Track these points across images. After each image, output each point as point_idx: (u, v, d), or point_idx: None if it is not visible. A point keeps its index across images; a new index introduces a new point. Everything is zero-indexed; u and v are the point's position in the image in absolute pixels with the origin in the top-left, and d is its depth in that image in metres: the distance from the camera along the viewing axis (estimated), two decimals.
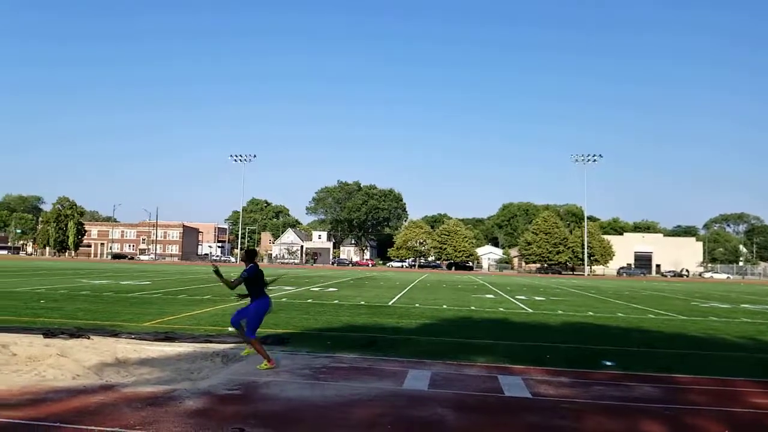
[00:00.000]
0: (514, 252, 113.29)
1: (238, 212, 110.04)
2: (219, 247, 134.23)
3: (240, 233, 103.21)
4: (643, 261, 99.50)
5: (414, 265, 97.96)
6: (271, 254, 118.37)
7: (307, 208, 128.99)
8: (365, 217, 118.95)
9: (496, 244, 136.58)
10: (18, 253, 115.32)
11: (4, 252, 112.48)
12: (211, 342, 9.04)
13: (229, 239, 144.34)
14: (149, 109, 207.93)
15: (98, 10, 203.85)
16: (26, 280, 25.45)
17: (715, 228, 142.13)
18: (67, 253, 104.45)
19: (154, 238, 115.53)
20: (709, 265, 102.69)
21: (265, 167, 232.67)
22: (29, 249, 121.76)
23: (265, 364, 7.14)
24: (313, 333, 10.79)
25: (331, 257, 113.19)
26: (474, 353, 8.98)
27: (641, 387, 6.97)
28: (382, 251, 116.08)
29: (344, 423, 5.09)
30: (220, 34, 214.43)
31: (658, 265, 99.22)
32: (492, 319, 14.86)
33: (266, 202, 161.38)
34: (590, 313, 17.42)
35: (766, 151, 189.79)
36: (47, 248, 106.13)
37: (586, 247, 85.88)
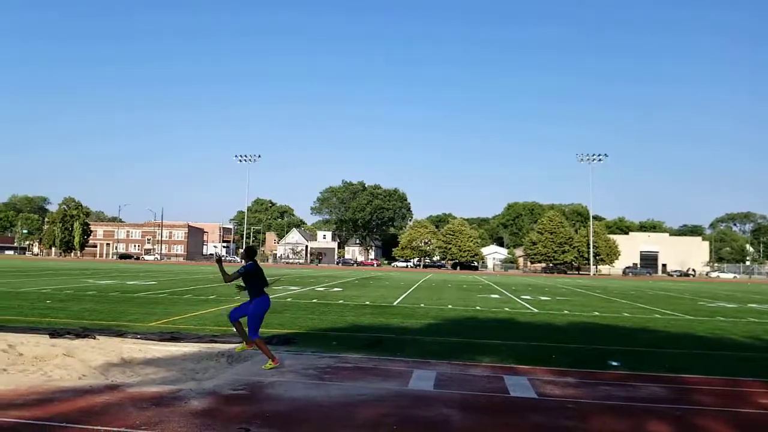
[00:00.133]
0: (519, 252, 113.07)
1: (243, 212, 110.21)
2: (224, 247, 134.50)
3: (245, 233, 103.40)
4: (649, 261, 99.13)
5: (419, 265, 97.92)
6: (276, 254, 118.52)
7: (311, 208, 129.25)
8: (370, 217, 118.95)
9: (501, 243, 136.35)
10: (24, 254, 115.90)
11: (11, 252, 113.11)
12: (216, 342, 9.05)
13: (234, 239, 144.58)
14: (149, 109, 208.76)
15: (98, 10, 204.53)
16: (32, 280, 25.56)
17: (722, 227, 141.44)
18: (72, 254, 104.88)
19: (160, 239, 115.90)
20: (716, 264, 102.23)
21: (269, 167, 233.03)
22: (35, 249, 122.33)
23: (270, 364, 7.14)
24: (318, 333, 10.79)
25: (335, 257, 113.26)
26: (479, 353, 8.96)
27: (648, 387, 6.94)
28: (387, 251, 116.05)
29: (349, 423, 5.08)
30: (220, 34, 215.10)
31: (664, 265, 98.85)
32: (497, 319, 14.83)
33: (271, 202, 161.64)
34: (596, 312, 17.37)
35: None
36: (53, 248, 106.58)
37: (591, 246, 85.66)
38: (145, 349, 8.25)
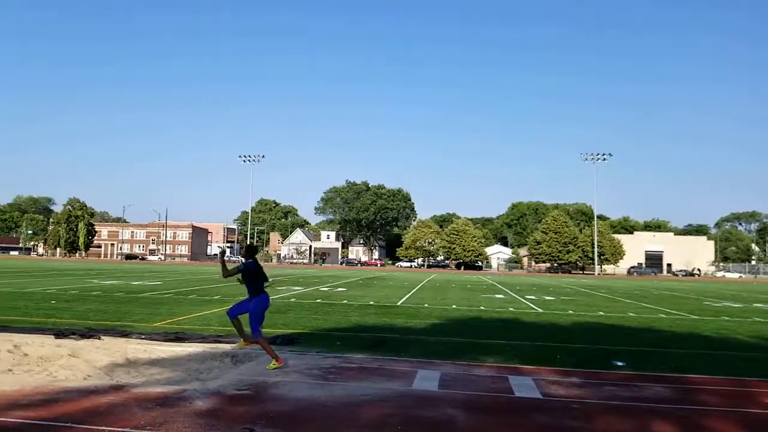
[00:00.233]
0: (523, 251, 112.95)
1: (247, 212, 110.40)
2: (228, 247, 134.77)
3: (249, 233, 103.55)
4: (654, 260, 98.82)
5: (423, 265, 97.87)
6: (279, 254, 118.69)
7: (315, 209, 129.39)
8: (374, 217, 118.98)
9: (505, 243, 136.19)
10: (29, 254, 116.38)
11: (16, 253, 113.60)
12: (220, 342, 9.06)
13: (238, 239, 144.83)
14: (149, 109, 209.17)
15: (98, 10, 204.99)
16: (37, 280, 25.65)
17: (727, 227, 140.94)
18: (77, 254, 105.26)
19: (164, 239, 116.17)
20: (721, 264, 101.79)
21: (273, 168, 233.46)
22: (40, 250, 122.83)
23: (274, 364, 7.15)
24: (322, 333, 10.79)
25: (339, 257, 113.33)
26: (484, 353, 8.94)
27: (653, 387, 6.91)
28: (391, 251, 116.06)
29: (354, 423, 5.08)
30: (220, 34, 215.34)
31: (669, 265, 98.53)
32: (502, 319, 14.80)
33: (275, 202, 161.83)
34: (601, 312, 17.32)
35: None
36: (58, 249, 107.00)
37: (596, 246, 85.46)
38: (150, 350, 8.26)
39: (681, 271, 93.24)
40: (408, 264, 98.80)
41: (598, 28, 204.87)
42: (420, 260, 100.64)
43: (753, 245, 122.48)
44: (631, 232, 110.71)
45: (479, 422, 5.29)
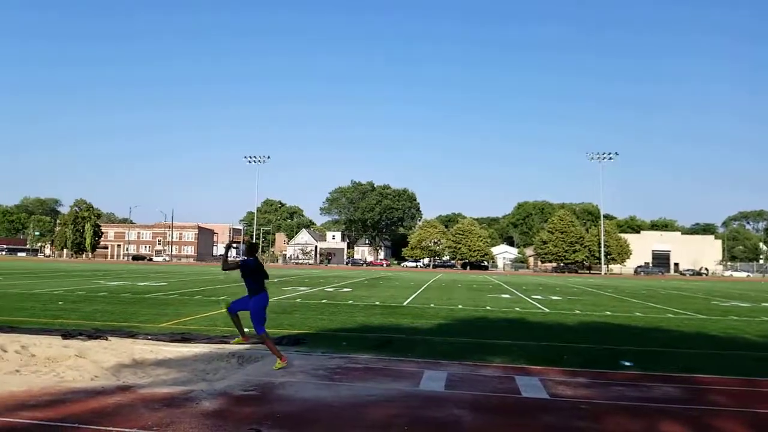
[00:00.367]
0: (529, 251, 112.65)
1: (253, 213, 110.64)
2: (234, 248, 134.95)
3: (254, 234, 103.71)
4: (661, 260, 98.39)
5: (428, 265, 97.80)
6: (285, 255, 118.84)
7: (321, 209, 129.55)
8: (379, 217, 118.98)
9: (511, 243, 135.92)
10: (36, 255, 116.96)
11: (23, 254, 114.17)
12: (226, 343, 9.06)
13: (243, 240, 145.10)
14: (149, 109, 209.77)
15: (98, 10, 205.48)
16: (45, 281, 25.78)
17: (734, 226, 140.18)
18: (84, 255, 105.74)
19: (170, 240, 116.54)
20: (729, 263, 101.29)
21: (278, 168, 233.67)
22: (47, 251, 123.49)
23: (279, 363, 7.16)
24: (328, 333, 10.78)
25: (345, 257, 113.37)
26: (490, 354, 8.92)
27: (661, 387, 6.87)
28: (397, 251, 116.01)
29: (360, 424, 5.07)
30: (220, 34, 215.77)
31: (676, 264, 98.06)
32: (508, 319, 14.76)
33: (280, 202, 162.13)
34: (608, 312, 17.25)
35: None
36: (65, 250, 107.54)
37: (602, 245, 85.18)
38: (157, 350, 8.28)
39: (688, 270, 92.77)
40: (414, 264, 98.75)
41: (598, 27, 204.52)
42: (426, 260, 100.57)
43: (761, 244, 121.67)
44: (638, 232, 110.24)
45: (486, 422, 5.27)
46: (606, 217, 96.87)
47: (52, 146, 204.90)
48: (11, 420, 4.85)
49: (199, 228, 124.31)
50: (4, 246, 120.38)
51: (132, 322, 11.78)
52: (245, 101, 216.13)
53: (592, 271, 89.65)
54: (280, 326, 11.43)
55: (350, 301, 18.53)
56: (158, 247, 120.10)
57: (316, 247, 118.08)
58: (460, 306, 18.09)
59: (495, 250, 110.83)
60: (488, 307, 17.91)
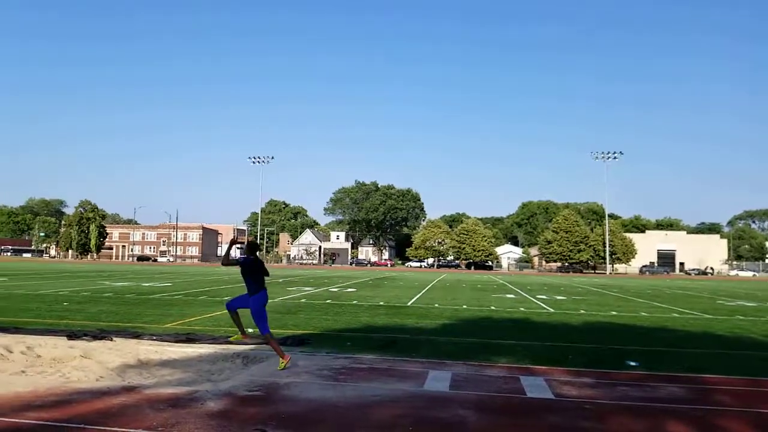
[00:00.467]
0: (534, 251, 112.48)
1: (257, 213, 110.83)
2: (238, 248, 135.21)
3: (259, 234, 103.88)
4: (666, 259, 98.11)
5: (433, 265, 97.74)
6: (289, 255, 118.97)
7: (324, 209, 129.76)
8: (383, 217, 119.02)
9: (515, 243, 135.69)
10: (41, 256, 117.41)
11: (28, 255, 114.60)
12: (231, 343, 9.07)
13: (248, 240, 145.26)
14: (149, 109, 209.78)
15: (98, 10, 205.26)
16: (50, 282, 25.87)
17: (740, 225, 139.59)
18: (89, 256, 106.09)
19: (174, 240, 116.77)
20: (735, 262, 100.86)
21: (282, 169, 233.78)
22: (52, 252, 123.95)
23: (282, 362, 7.16)
24: (332, 334, 10.79)
25: (349, 257, 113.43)
26: (495, 354, 8.90)
27: (666, 387, 6.85)
28: (401, 251, 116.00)
29: (365, 424, 5.07)
30: (220, 34, 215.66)
31: (681, 263, 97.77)
32: (513, 319, 14.74)
33: (284, 203, 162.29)
34: (613, 312, 17.20)
35: None
36: (70, 251, 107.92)
37: (607, 245, 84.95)
38: (161, 351, 8.29)
39: (694, 269, 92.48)
40: (418, 264, 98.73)
41: (598, 27, 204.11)
42: (430, 260, 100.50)
43: (767, 243, 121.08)
44: (643, 231, 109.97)
45: (491, 423, 5.26)
46: (611, 216, 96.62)
47: (52, 146, 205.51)
48: (17, 420, 4.87)
49: (204, 228, 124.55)
50: (10, 247, 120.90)
51: (137, 322, 11.81)
52: (246, 101, 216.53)
53: (596, 271, 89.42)
54: (284, 326, 11.44)
55: (354, 302, 18.53)
56: (163, 248, 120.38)
57: (320, 247, 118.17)
58: (464, 306, 18.07)
59: (499, 250, 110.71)
60: (493, 307, 17.88)
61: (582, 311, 17.16)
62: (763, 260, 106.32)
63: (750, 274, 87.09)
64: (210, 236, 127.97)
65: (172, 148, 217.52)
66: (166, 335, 9.79)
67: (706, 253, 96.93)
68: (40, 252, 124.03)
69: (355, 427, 4.99)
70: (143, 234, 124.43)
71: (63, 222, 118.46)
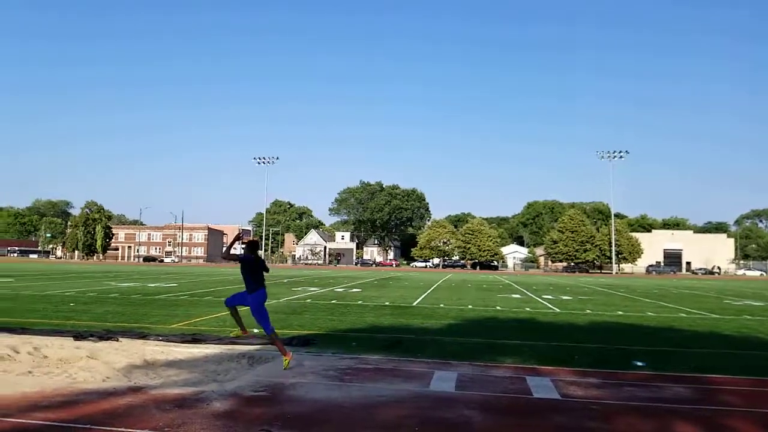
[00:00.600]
0: (539, 251, 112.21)
1: (262, 214, 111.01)
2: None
3: (264, 234, 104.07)
4: (672, 259, 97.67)
5: (438, 265, 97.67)
6: (294, 255, 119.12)
7: (329, 209, 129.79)
8: (388, 218, 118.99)
9: (521, 243, 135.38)
10: (48, 257, 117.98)
11: (35, 256, 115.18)
12: (236, 343, 9.09)
13: (252, 239, 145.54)
14: (149, 109, 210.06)
15: (98, 10, 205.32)
16: (56, 283, 25.98)
17: (747, 224, 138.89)
18: (95, 257, 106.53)
19: (180, 241, 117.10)
20: (742, 262, 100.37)
21: (287, 169, 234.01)
22: (59, 252, 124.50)
23: (286, 361, 7.16)
24: (338, 334, 10.79)
25: (354, 258, 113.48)
26: (501, 354, 8.88)
27: (673, 388, 6.81)
28: (406, 251, 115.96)
29: (370, 424, 5.06)
30: (220, 34, 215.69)
31: (688, 263, 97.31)
32: (518, 319, 14.70)
33: (289, 203, 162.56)
34: (619, 312, 17.14)
35: None
36: (76, 252, 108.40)
37: (613, 245, 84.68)
38: (167, 351, 8.31)
39: (701, 269, 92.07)
40: (423, 264, 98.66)
41: (598, 27, 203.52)
42: (435, 260, 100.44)
43: None
44: (649, 231, 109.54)
45: (497, 423, 5.24)
46: (617, 216, 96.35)
47: (52, 146, 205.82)
48: (24, 421, 4.89)
49: (209, 229, 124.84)
50: (16, 248, 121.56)
51: (143, 323, 11.84)
52: (246, 101, 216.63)
53: (603, 271, 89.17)
54: (290, 327, 11.45)
55: (360, 302, 18.53)
56: (168, 249, 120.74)
57: (325, 247, 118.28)
58: (470, 306, 18.04)
59: (505, 249, 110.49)
60: (498, 307, 17.85)
61: (588, 311, 17.11)
62: None
63: (757, 273, 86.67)
64: (215, 237, 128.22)
65: (172, 148, 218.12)
66: (172, 336, 9.81)
67: (713, 253, 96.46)
68: (47, 253, 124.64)
69: (361, 427, 4.98)
70: (149, 235, 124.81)
71: (69, 223, 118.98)
